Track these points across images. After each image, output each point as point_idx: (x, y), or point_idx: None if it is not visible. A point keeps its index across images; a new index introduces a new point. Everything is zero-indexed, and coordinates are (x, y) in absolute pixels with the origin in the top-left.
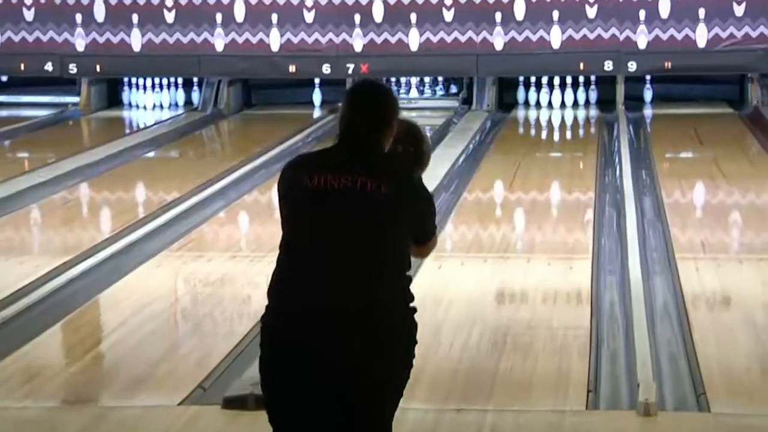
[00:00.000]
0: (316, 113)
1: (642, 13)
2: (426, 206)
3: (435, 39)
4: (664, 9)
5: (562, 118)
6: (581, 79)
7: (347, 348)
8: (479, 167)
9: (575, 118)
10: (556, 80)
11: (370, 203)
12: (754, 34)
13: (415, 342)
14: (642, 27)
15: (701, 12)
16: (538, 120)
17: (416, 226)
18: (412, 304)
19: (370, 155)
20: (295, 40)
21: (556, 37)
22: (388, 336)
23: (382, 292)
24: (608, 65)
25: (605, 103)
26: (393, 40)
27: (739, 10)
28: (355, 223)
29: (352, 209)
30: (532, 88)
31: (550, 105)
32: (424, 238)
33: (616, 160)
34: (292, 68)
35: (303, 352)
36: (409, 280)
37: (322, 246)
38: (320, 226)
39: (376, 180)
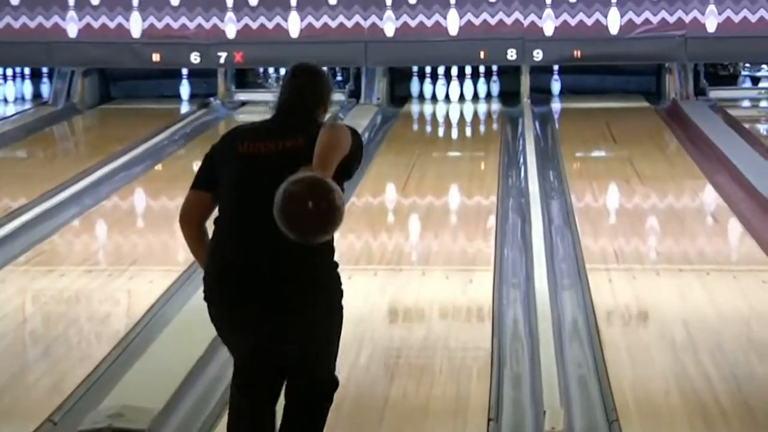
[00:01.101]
0: (184, 108)
1: None
2: (340, 135)
3: (318, 24)
4: None
5: (461, 113)
6: (482, 69)
7: (281, 291)
8: (369, 168)
9: (475, 113)
10: (454, 70)
11: (291, 160)
12: (671, 20)
13: (342, 293)
14: (548, 12)
15: None
16: (434, 115)
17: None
18: (335, 258)
19: (296, 123)
20: (159, 25)
21: (453, 23)
22: (316, 286)
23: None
24: (511, 54)
25: (509, 96)
26: (270, 25)
27: None
28: (281, 178)
29: (275, 170)
30: (427, 80)
31: (447, 98)
32: (348, 167)
33: (521, 160)
34: (155, 57)
35: (243, 275)
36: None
37: (251, 206)
38: (250, 189)
39: (295, 138)
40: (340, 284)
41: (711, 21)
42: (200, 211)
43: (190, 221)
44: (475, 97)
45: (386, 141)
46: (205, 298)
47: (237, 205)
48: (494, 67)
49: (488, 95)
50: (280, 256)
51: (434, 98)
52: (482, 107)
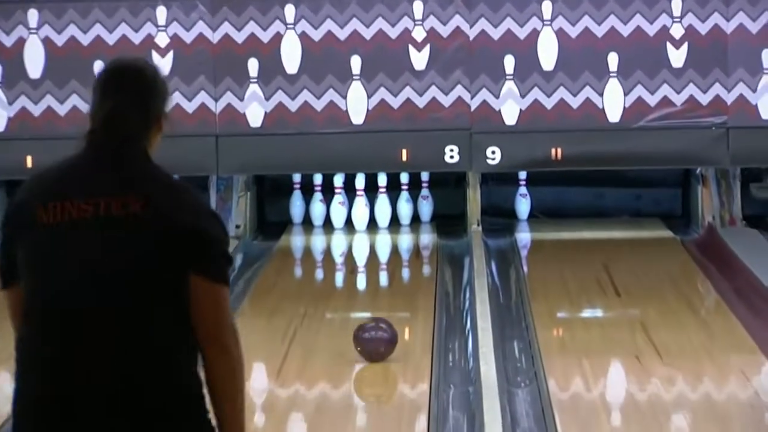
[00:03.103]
0: None
1: (508, 61)
2: (211, 233)
3: None
4: (547, 53)
5: (372, 248)
6: (404, 178)
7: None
8: None
9: (395, 250)
10: (359, 181)
11: (118, 234)
12: (704, 99)
13: None
14: (510, 86)
15: (612, 58)
16: (327, 253)
17: (195, 262)
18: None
19: (123, 163)
20: None
21: (357, 104)
22: (155, 421)
23: (148, 371)
24: (452, 154)
25: (448, 221)
26: None
27: (678, 56)
28: (104, 270)
29: (96, 249)
30: (317, 196)
31: (349, 226)
32: (212, 278)
33: (467, 325)
34: None
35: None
36: (193, 354)
37: (66, 310)
38: (60, 279)
39: (126, 196)
40: None
41: (767, 102)
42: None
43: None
44: (394, 224)
45: (251, 295)
46: None
47: (40, 315)
48: (424, 176)
49: (415, 220)
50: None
51: (328, 225)
52: (405, 240)
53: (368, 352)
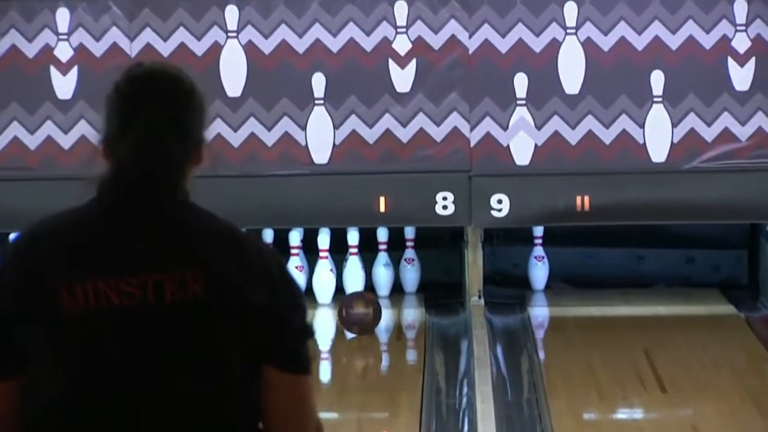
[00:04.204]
0: None
1: (519, 81)
2: (291, 311)
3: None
4: (570, 71)
5: (338, 329)
6: (382, 236)
7: None
8: None
9: (372, 330)
10: (323, 240)
11: (174, 325)
12: None
13: None
14: (521, 114)
15: (656, 79)
16: None
17: (271, 350)
18: None
19: (165, 214)
20: None
21: (320, 138)
22: None
23: None
24: (445, 203)
25: (440, 291)
26: None
27: (743, 76)
28: (156, 366)
29: (146, 344)
30: None
31: (309, 298)
32: (291, 368)
33: (465, 428)
34: None
35: None
36: None
37: (114, 413)
38: (102, 377)
39: (180, 270)
40: None
41: None
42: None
43: None
44: (368, 294)
45: None
46: None
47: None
48: (408, 233)
49: (396, 290)
50: None
51: None
52: (384, 316)
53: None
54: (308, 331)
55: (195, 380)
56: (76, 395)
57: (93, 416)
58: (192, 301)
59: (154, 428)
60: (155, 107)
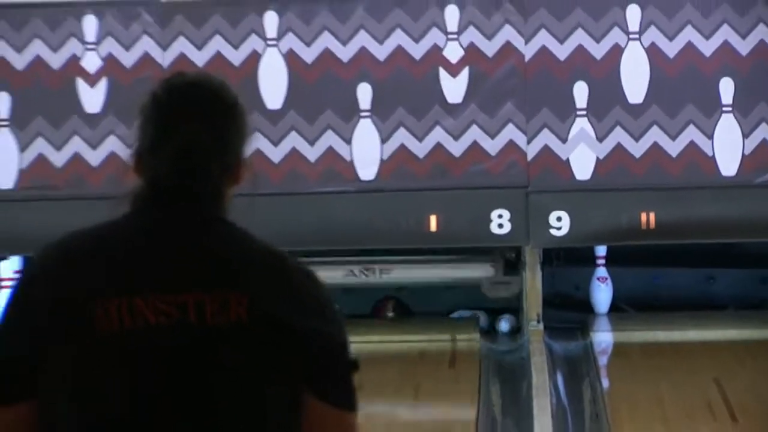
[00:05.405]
0: None
1: (579, 91)
2: (337, 340)
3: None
4: (634, 79)
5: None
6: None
7: None
8: None
9: (421, 355)
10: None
11: (214, 349)
12: None
13: None
14: (582, 125)
15: (726, 86)
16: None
17: (314, 381)
18: None
19: (206, 231)
20: None
21: (365, 152)
22: None
23: None
24: (500, 221)
25: (495, 316)
26: None
27: None
28: (192, 396)
29: (183, 369)
30: None
31: (349, 324)
32: (335, 403)
33: None
34: None
35: None
36: None
37: None
38: (130, 407)
39: (222, 291)
40: None
41: None
42: None
43: None
44: (418, 321)
45: None
46: None
47: None
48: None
49: (446, 312)
50: None
51: None
52: (437, 342)
53: None
54: (355, 364)
55: (233, 408)
56: (105, 422)
57: None
58: (234, 322)
59: None
60: (196, 120)
